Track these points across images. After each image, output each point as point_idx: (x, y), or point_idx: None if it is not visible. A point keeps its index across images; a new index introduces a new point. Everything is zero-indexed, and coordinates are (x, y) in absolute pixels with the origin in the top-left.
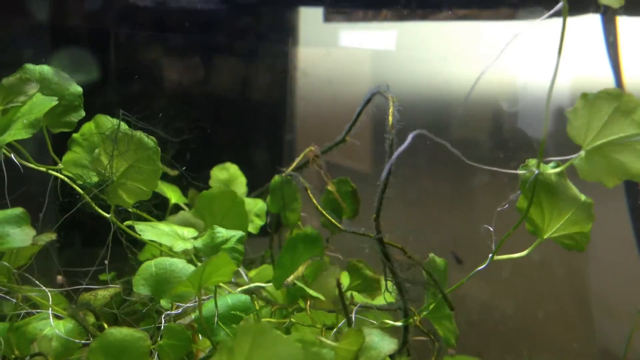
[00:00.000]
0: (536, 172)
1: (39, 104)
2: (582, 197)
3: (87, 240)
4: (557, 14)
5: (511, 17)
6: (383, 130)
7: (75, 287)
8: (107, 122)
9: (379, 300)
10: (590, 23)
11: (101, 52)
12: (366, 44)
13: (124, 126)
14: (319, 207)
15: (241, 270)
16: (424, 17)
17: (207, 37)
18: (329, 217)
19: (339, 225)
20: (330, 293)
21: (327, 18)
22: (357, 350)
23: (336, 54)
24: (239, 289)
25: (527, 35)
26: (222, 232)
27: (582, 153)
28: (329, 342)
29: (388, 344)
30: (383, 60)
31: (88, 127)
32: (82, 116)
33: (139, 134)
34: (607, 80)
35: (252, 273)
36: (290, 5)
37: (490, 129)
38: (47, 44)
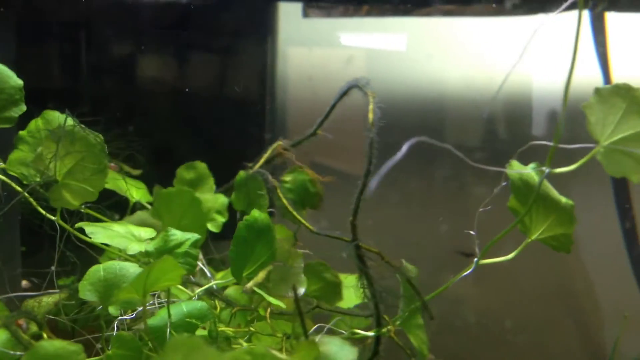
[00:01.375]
0: (547, 171)
1: None
2: (563, 200)
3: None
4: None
5: (496, 13)
6: (379, 133)
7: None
8: (57, 118)
9: (345, 305)
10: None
11: (73, 47)
12: (349, 42)
13: (70, 123)
14: (289, 206)
15: (206, 270)
16: (406, 13)
17: (183, 33)
18: (298, 216)
19: (309, 226)
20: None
21: (306, 13)
22: None
23: (317, 52)
24: (198, 290)
25: (520, 33)
26: (176, 235)
27: (601, 148)
28: (280, 355)
29: (347, 354)
30: (367, 57)
31: (35, 124)
32: (23, 110)
33: (85, 130)
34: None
35: (220, 275)
36: (269, 1)
37: (484, 130)
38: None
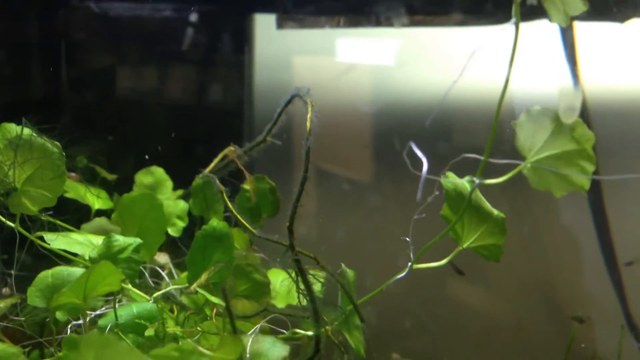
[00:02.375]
0: (477, 182)
1: None
2: (495, 212)
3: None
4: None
5: (464, 23)
6: (381, 140)
7: None
8: (14, 129)
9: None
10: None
11: (53, 60)
12: (326, 52)
13: (27, 132)
14: (234, 210)
15: (174, 272)
16: (378, 23)
17: (161, 45)
18: (243, 221)
19: (252, 229)
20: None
21: (280, 25)
22: (235, 359)
23: (296, 62)
24: (156, 294)
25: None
26: (119, 241)
27: (528, 164)
28: (206, 351)
29: (279, 351)
30: (342, 67)
31: None
32: None
33: (42, 140)
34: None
35: (182, 275)
36: (245, 13)
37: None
38: None
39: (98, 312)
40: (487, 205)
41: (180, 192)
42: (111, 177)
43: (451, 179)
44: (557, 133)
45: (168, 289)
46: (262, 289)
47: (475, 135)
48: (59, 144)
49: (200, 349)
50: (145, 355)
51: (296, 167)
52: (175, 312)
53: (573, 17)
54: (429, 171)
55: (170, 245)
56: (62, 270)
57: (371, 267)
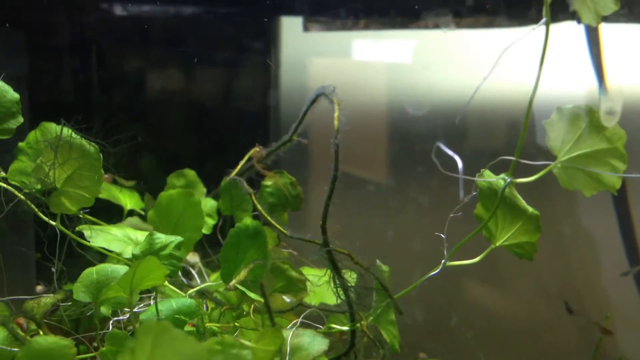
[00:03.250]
0: (509, 180)
1: None
2: (530, 209)
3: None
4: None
5: (490, 24)
6: (399, 140)
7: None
8: (54, 129)
9: (319, 299)
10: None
11: (83, 62)
12: (351, 54)
13: (67, 133)
14: (262, 211)
15: (204, 271)
16: (404, 25)
17: (188, 47)
18: (272, 221)
19: (283, 230)
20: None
21: (306, 27)
22: (275, 350)
23: (319, 63)
24: (190, 291)
25: (532, 42)
26: (160, 238)
27: (559, 163)
28: (247, 343)
29: (318, 345)
30: (367, 69)
31: (33, 135)
32: (20, 122)
33: (81, 140)
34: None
35: (214, 276)
36: (271, 15)
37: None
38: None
39: (135, 309)
40: (522, 202)
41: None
42: (129, 183)
43: (486, 178)
44: (588, 132)
45: (203, 285)
46: (298, 286)
47: (494, 136)
48: (96, 145)
49: (242, 341)
50: (200, 343)
51: (312, 167)
52: (210, 309)
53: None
54: (450, 171)
55: (196, 245)
56: (106, 267)
57: (397, 267)
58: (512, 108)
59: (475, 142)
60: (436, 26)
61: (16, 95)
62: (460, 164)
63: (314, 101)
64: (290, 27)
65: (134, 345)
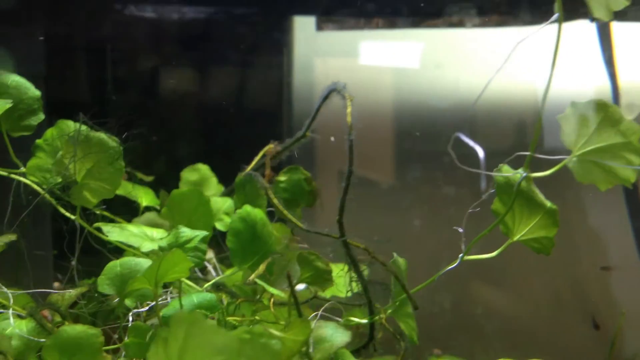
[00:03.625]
0: (524, 174)
1: None
2: (548, 204)
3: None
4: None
5: (503, 23)
6: (405, 142)
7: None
8: (70, 126)
9: (331, 292)
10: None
11: (97, 63)
12: (363, 53)
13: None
14: (278, 205)
15: (218, 267)
16: (416, 24)
17: (201, 47)
18: (288, 214)
19: (299, 223)
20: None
21: (320, 27)
22: (303, 340)
23: (332, 63)
24: (206, 284)
25: (541, 41)
26: (186, 232)
27: (574, 157)
28: (276, 333)
29: (341, 337)
30: (378, 68)
31: (50, 132)
32: (41, 119)
33: (100, 134)
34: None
35: (229, 271)
36: (285, 15)
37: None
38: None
39: (152, 303)
40: (540, 197)
41: (222, 187)
42: (148, 178)
43: (504, 173)
44: (602, 126)
45: (218, 278)
46: (324, 277)
47: (505, 135)
48: (116, 138)
49: (271, 330)
50: (230, 333)
51: (317, 165)
52: (226, 303)
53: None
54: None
55: (211, 241)
56: (129, 260)
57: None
58: (524, 107)
59: (486, 141)
60: (450, 24)
61: (37, 93)
62: (481, 154)
63: (326, 98)
64: (303, 26)
65: (167, 335)
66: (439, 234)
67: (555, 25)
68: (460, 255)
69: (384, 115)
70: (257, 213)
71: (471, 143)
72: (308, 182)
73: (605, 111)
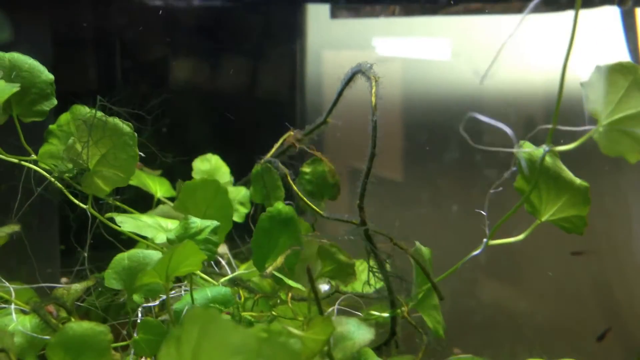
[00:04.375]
0: (547, 149)
1: (1, 90)
2: (577, 181)
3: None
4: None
5: (523, 10)
6: (414, 138)
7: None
8: (85, 112)
9: (357, 288)
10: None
11: (108, 52)
12: (378, 41)
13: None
14: (298, 191)
15: (232, 262)
16: (433, 11)
17: (213, 36)
18: (308, 202)
19: (319, 210)
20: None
21: (335, 14)
22: (325, 340)
23: (346, 53)
24: (222, 279)
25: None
26: (196, 223)
27: (600, 127)
28: (296, 331)
29: (364, 334)
30: (396, 57)
31: (65, 117)
32: (54, 104)
33: (114, 119)
34: None
35: (244, 266)
36: (298, 3)
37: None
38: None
39: (161, 298)
40: (568, 173)
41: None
42: (156, 172)
43: (527, 148)
44: (632, 91)
45: (236, 273)
46: (347, 270)
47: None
48: (130, 124)
49: (290, 329)
50: (249, 332)
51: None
52: (243, 298)
53: (634, 4)
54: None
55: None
56: (137, 252)
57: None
58: (545, 94)
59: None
60: (470, 11)
61: (51, 76)
62: (509, 132)
63: (350, 80)
64: (317, 14)
65: (180, 333)
66: (455, 227)
67: (586, 13)
68: (485, 240)
69: (400, 105)
70: (287, 210)
71: (493, 122)
72: (332, 175)
73: (635, 74)
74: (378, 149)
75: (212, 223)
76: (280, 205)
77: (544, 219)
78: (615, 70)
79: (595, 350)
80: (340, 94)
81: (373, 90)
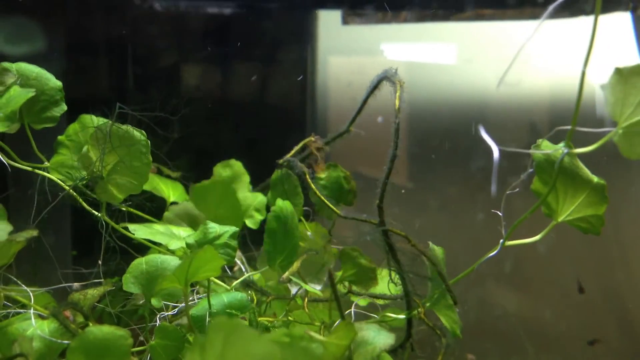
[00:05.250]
0: (565, 151)
1: (16, 96)
2: (595, 179)
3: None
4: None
5: (535, 16)
6: (420, 144)
7: (62, 285)
8: (92, 121)
9: (379, 291)
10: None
11: (120, 58)
12: (387, 48)
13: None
14: (317, 191)
15: (245, 266)
16: (445, 18)
17: (224, 42)
18: (326, 201)
19: (336, 210)
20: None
21: (346, 21)
22: (347, 345)
23: (356, 59)
24: (235, 282)
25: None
26: (214, 228)
27: (619, 130)
28: (318, 336)
29: (384, 339)
30: (405, 64)
31: (73, 128)
32: (64, 110)
33: (127, 127)
34: None
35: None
36: (309, 9)
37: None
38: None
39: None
40: (585, 172)
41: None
42: (175, 174)
43: (544, 149)
44: None
45: (247, 275)
46: (368, 274)
47: (537, 129)
48: (144, 132)
49: (312, 334)
50: (271, 341)
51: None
52: (255, 301)
53: None
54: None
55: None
56: (155, 257)
57: None
58: (559, 101)
59: (518, 134)
60: (481, 17)
61: (59, 83)
62: (496, 153)
63: (375, 87)
64: (328, 20)
65: (204, 342)
66: (464, 232)
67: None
68: (501, 240)
69: (417, 110)
70: (286, 206)
71: (487, 139)
72: (347, 181)
73: None
74: (382, 153)
75: (231, 228)
76: (280, 202)
77: (560, 219)
78: (635, 73)
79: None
80: (365, 101)
81: (397, 94)
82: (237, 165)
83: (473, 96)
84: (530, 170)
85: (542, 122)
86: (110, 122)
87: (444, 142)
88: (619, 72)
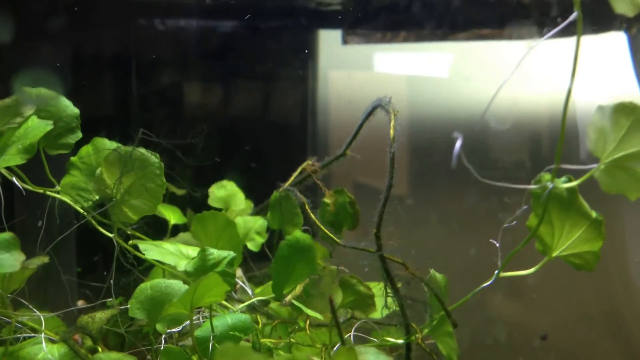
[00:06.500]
0: (550, 186)
1: (34, 128)
2: (594, 214)
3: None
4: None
5: (531, 35)
6: (419, 153)
7: (69, 309)
8: (105, 144)
9: (376, 316)
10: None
11: (122, 77)
12: (387, 67)
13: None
14: (317, 221)
15: (246, 286)
16: (443, 37)
17: (227, 61)
18: (326, 231)
19: (336, 239)
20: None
21: (346, 40)
22: None
23: (357, 76)
24: (240, 305)
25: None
26: (213, 254)
27: (601, 166)
28: None
29: None
30: (404, 82)
31: (86, 150)
32: (79, 137)
33: (141, 150)
34: None
35: (258, 290)
36: (310, 29)
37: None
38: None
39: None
40: (584, 207)
41: (250, 203)
42: (180, 192)
43: (542, 183)
44: (633, 130)
45: (253, 299)
46: (367, 301)
47: (536, 148)
48: (158, 155)
49: (314, 358)
50: None
51: (332, 175)
52: (260, 324)
53: None
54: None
55: None
56: (160, 282)
57: None
58: (555, 119)
59: (516, 154)
60: (478, 37)
61: (76, 111)
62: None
63: (370, 113)
64: (329, 40)
65: None
66: (465, 252)
67: (593, 39)
68: (496, 271)
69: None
70: (305, 238)
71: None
72: (352, 205)
73: (636, 114)
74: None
75: (229, 254)
76: (298, 234)
77: (555, 254)
78: (617, 110)
79: None
80: (360, 126)
81: (392, 124)
82: (230, 185)
83: (472, 111)
84: (525, 207)
85: (545, 138)
86: (134, 148)
87: (445, 156)
88: (601, 109)
